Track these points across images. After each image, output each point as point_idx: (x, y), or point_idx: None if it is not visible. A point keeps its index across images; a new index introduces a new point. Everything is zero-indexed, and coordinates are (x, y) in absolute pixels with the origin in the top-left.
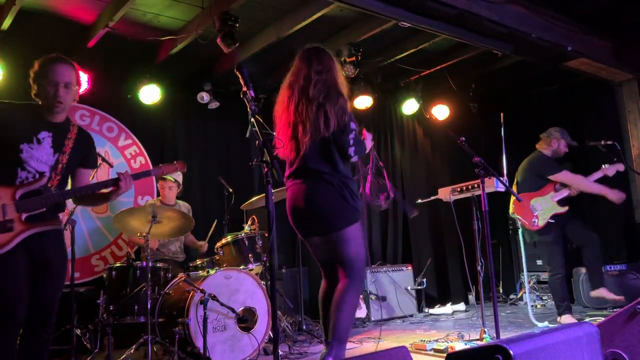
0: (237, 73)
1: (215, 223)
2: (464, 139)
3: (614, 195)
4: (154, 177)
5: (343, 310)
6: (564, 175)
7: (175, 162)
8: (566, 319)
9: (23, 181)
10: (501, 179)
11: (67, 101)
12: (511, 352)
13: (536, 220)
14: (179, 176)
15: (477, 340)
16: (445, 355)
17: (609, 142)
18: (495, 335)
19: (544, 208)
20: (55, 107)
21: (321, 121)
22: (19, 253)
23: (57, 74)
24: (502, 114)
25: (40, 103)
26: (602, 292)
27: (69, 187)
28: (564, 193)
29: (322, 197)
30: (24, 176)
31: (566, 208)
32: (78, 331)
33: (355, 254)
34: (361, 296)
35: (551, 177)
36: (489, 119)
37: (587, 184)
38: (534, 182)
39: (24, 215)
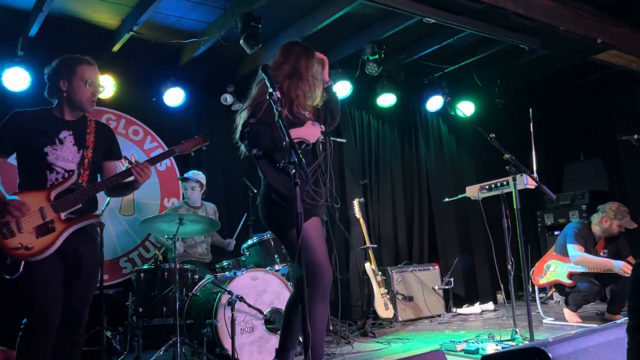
0: (263, 74)
1: (243, 219)
2: (494, 135)
3: (619, 267)
4: (179, 181)
5: (311, 324)
6: (572, 248)
7: (196, 136)
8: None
9: (53, 183)
10: (532, 175)
11: (94, 103)
12: (550, 355)
13: (540, 279)
14: (201, 177)
15: (509, 341)
16: (475, 356)
17: None
18: (525, 335)
19: (554, 272)
20: (91, 107)
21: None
22: (52, 256)
23: (94, 76)
24: (530, 110)
25: (56, 103)
26: (618, 318)
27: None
28: (579, 269)
29: (259, 202)
30: (53, 178)
31: (571, 282)
32: (108, 333)
33: (305, 259)
34: (388, 296)
35: (567, 245)
36: (515, 115)
37: (593, 261)
38: (564, 245)
39: (62, 215)
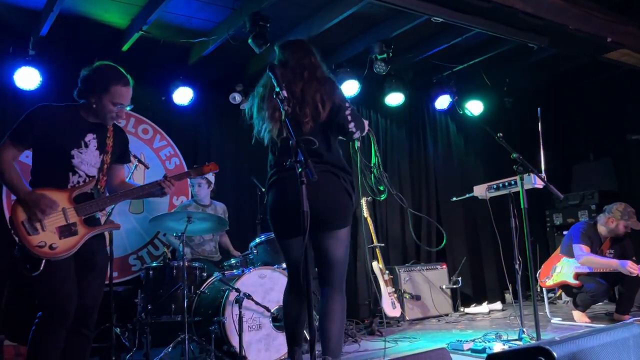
0: (270, 74)
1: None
2: (501, 134)
3: (624, 266)
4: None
5: (333, 322)
6: (578, 249)
7: (207, 163)
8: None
9: (75, 185)
10: (540, 175)
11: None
12: (554, 354)
13: (547, 280)
14: (209, 174)
15: (516, 340)
16: (482, 355)
17: None
18: (534, 335)
19: (560, 273)
20: (111, 123)
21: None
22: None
23: (125, 98)
24: (539, 109)
25: (81, 103)
26: (625, 319)
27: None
28: (586, 269)
29: (334, 190)
30: (75, 180)
31: (577, 283)
32: (117, 329)
33: (344, 257)
34: (395, 295)
35: (572, 245)
36: (524, 114)
37: (598, 261)
38: (569, 246)
39: (82, 218)
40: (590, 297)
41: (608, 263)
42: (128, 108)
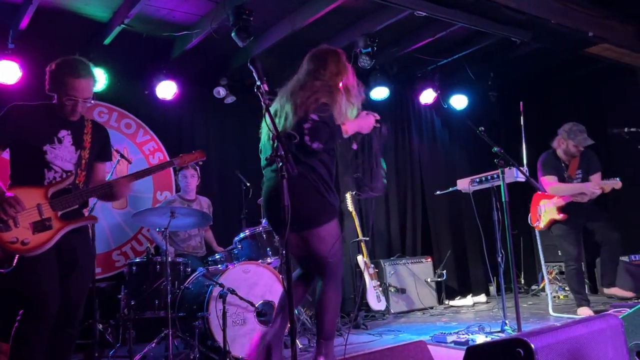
0: (251, 67)
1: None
2: (483, 128)
3: (589, 187)
4: (172, 173)
5: (327, 310)
6: (545, 180)
7: (193, 151)
8: (583, 311)
9: (51, 181)
10: (521, 168)
11: (82, 112)
12: (532, 345)
13: (538, 223)
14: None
15: (499, 332)
16: (465, 347)
17: (632, 130)
18: (516, 327)
19: (546, 211)
20: (73, 117)
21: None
22: (49, 251)
23: (78, 91)
24: (521, 103)
25: (55, 101)
26: (613, 291)
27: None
28: (561, 201)
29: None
30: (51, 176)
31: (563, 216)
32: (100, 326)
33: (328, 252)
34: (380, 288)
35: (539, 179)
36: (508, 108)
37: (565, 188)
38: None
39: (59, 213)
40: (571, 268)
41: (574, 187)
42: (92, 102)
